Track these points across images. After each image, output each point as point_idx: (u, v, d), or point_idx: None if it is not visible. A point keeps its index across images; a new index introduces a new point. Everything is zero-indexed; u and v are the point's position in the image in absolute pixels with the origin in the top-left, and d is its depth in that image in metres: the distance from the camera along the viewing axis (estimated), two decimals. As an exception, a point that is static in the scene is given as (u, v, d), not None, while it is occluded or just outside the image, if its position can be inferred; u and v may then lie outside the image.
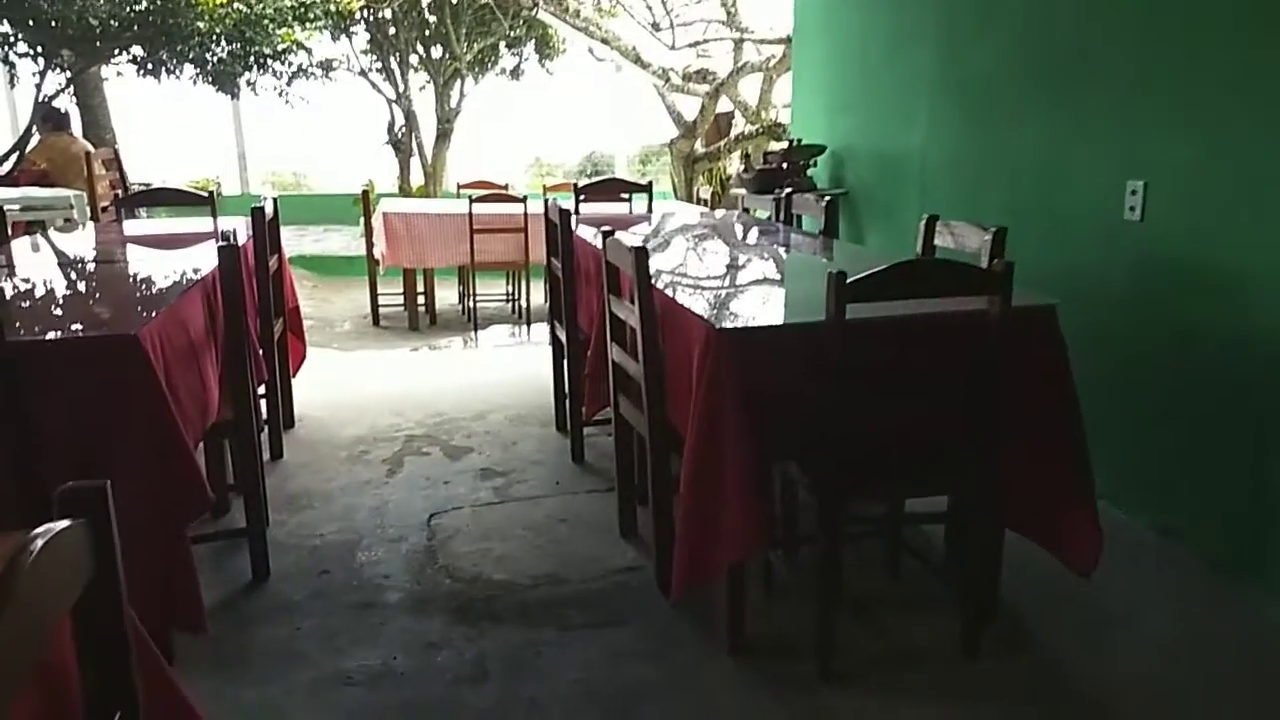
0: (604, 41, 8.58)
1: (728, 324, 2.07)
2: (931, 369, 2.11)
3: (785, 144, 5.13)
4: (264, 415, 3.51)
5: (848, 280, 1.91)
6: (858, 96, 4.65)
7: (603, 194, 4.97)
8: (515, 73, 11.23)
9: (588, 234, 3.63)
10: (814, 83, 5.16)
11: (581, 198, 4.60)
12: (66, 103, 8.07)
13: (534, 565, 2.74)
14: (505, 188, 7.26)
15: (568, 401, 3.70)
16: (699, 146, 8.90)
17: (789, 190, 3.99)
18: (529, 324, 6.59)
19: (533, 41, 10.94)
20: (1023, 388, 2.17)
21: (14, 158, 7.19)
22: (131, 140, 11.65)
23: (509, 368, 5.08)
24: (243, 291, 2.83)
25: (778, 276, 2.96)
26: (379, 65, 10.79)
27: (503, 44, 10.89)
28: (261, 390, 3.42)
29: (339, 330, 6.50)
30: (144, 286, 2.76)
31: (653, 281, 2.42)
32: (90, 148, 7.44)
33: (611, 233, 2.69)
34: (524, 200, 6.06)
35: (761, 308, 2.45)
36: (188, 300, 2.54)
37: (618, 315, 2.70)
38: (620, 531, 2.93)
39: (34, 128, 7.39)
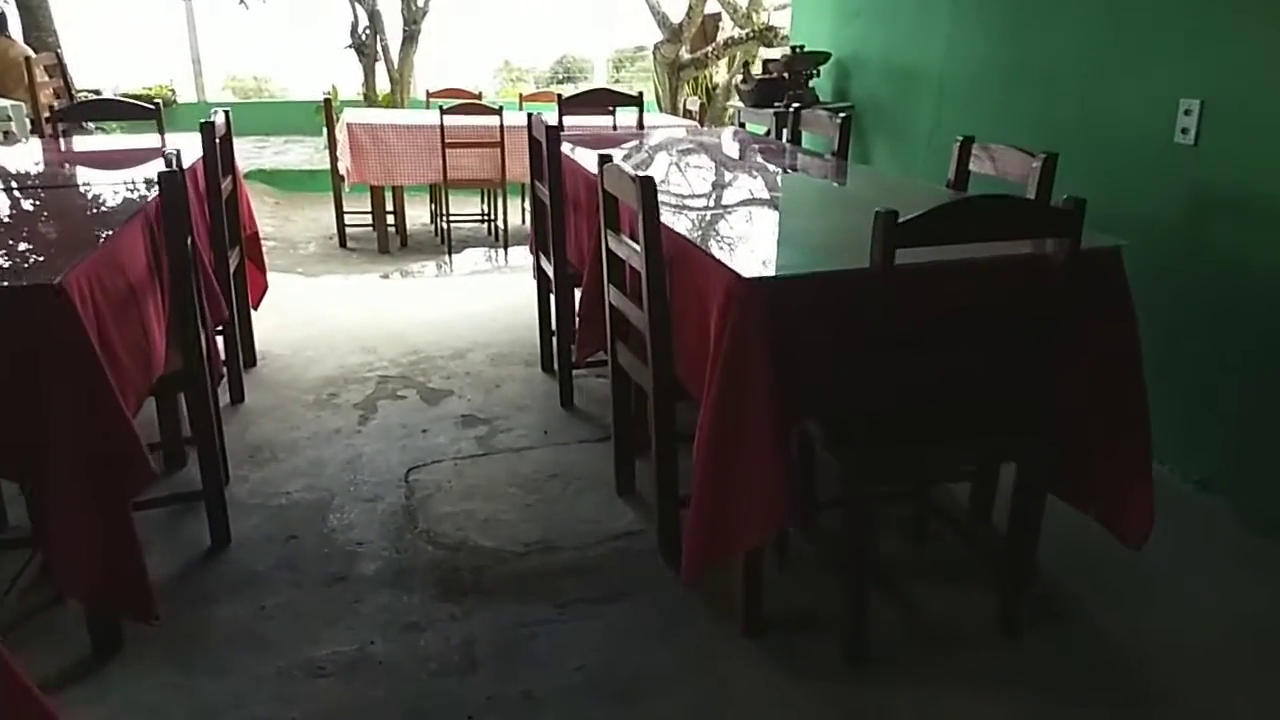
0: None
1: (754, 271, 1.78)
2: (984, 320, 1.85)
3: (786, 51, 4.73)
4: (223, 358, 3.20)
5: (899, 221, 1.62)
6: None
7: (587, 106, 4.59)
8: (486, -30, 10.55)
9: (577, 155, 3.29)
10: (817, -17, 4.74)
11: (564, 110, 4.23)
12: (1, 3, 7.43)
13: (524, 529, 2.50)
14: (479, 97, 6.79)
15: (555, 340, 3.42)
16: (684, 53, 8.41)
17: (795, 105, 3.64)
18: (506, 247, 6.24)
19: (505, -64, 10.26)
20: (1082, 341, 1.92)
21: (-60, 62, 6.61)
22: (81, 45, 10.92)
23: (488, 298, 4.76)
24: (189, 223, 2.50)
25: (799, 208, 2.66)
26: (340, -39, 10.08)
27: (473, -61, 10.20)
28: (219, 329, 3.11)
29: (303, 253, 6.12)
30: (75, 219, 2.40)
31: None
32: (30, 52, 6.87)
33: (609, 158, 2.37)
34: (499, 111, 5.64)
35: (787, 249, 2.15)
36: (126, 235, 2.20)
37: (616, 253, 2.40)
38: (617, 488, 2.68)
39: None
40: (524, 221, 6.79)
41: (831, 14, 4.58)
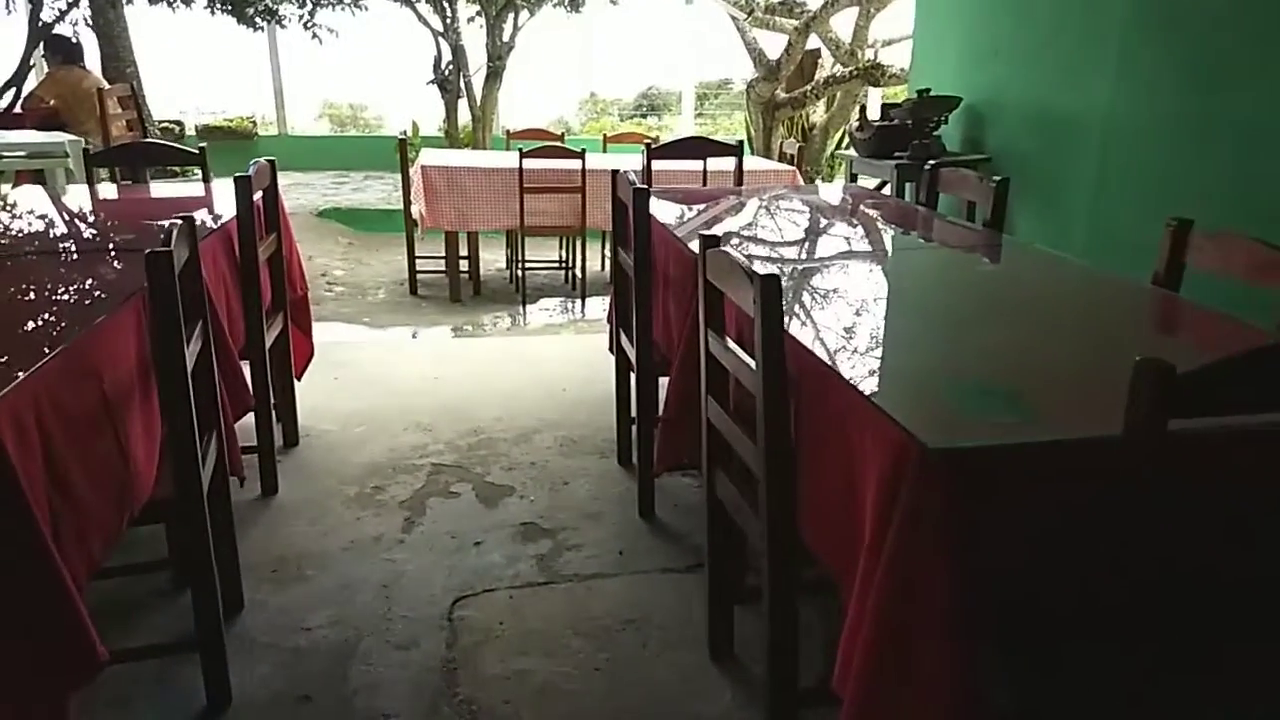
0: (677, -32, 7.57)
1: (938, 435, 1.22)
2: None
3: (910, 94, 4.17)
4: (255, 442, 2.77)
5: (1177, 376, 1.06)
6: (1010, 37, 3.68)
7: (679, 154, 4.10)
8: (574, 3, 10.22)
9: (666, 215, 2.79)
10: (944, 17, 4.18)
11: (652, 157, 3.75)
12: (72, 32, 7.33)
13: (590, 707, 1.96)
14: (561, 138, 6.38)
15: (634, 429, 2.90)
16: (780, 92, 7.88)
17: (930, 160, 3.07)
18: (584, 297, 5.77)
19: (595, -32, 9.93)
20: None
21: (11, 93, 6.45)
22: (167, 76, 10.93)
23: (562, 359, 4.27)
24: (179, 323, 1.96)
25: (970, 311, 2.02)
26: (427, -6, 9.87)
27: (562, -30, 9.90)
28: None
29: (372, 300, 5.74)
30: (48, 309, 1.91)
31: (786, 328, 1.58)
32: (104, 83, 6.72)
33: (714, 241, 1.85)
34: (582, 154, 5.18)
35: (972, 387, 1.55)
36: (108, 331, 1.75)
37: (718, 360, 1.87)
38: (710, 650, 2.12)
39: (35, 58, 6.66)
40: (603, 268, 6.33)
41: (961, 54, 4.01)
